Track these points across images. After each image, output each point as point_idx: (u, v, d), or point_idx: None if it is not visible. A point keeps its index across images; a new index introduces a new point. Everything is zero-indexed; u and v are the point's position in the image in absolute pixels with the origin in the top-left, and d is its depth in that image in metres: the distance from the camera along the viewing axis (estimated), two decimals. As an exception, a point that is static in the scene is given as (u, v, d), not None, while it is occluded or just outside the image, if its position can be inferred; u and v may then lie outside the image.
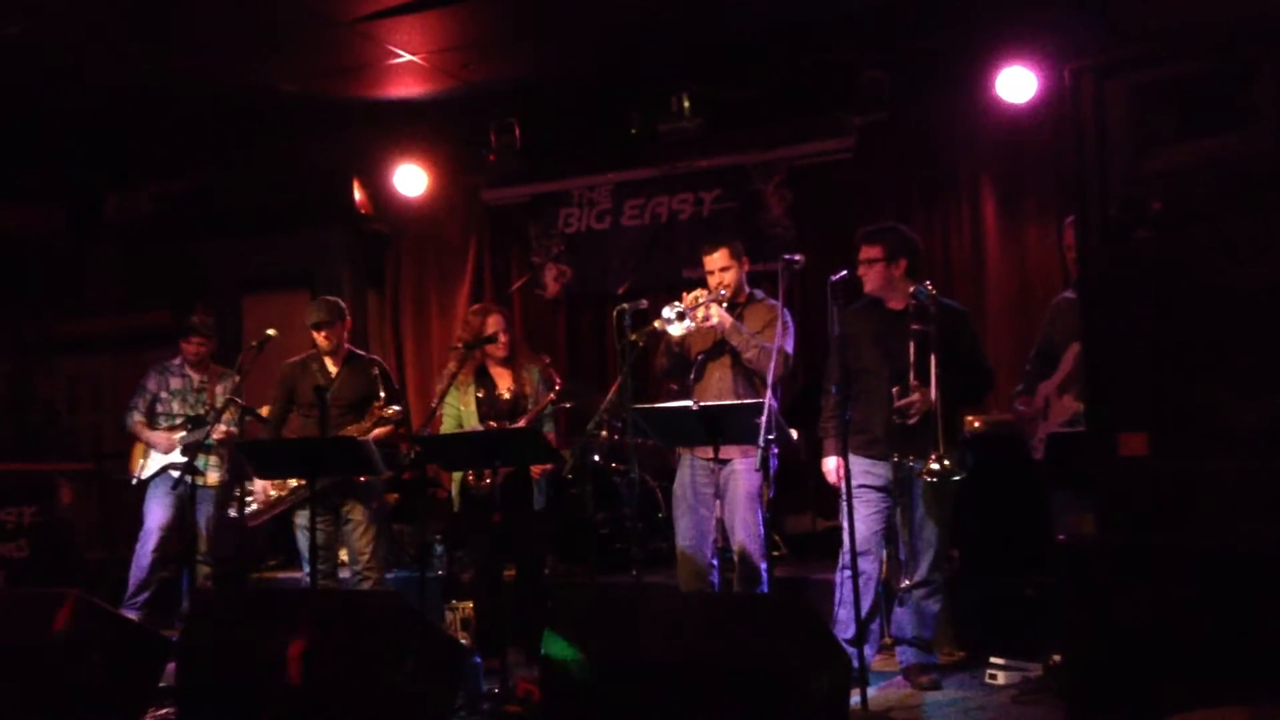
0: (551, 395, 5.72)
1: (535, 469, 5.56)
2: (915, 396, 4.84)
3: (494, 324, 5.71)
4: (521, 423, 5.57)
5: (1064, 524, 4.94)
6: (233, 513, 6.00)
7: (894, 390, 4.89)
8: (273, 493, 5.89)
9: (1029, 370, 5.37)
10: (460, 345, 5.68)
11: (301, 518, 5.75)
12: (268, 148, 8.55)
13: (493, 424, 5.60)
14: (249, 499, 5.97)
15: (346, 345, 6.08)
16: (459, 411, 5.68)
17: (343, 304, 6.13)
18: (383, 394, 5.76)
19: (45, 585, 6.81)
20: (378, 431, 5.73)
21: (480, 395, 5.70)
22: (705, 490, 5.18)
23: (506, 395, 5.72)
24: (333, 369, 5.98)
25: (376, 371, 6.00)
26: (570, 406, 6.62)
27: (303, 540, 5.76)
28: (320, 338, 5.95)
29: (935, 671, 5.07)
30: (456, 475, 5.72)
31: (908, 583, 5.08)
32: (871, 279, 5.06)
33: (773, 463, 4.92)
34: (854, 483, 4.87)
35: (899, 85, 7.16)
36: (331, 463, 5.36)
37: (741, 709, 3.43)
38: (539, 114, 8.04)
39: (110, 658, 4.26)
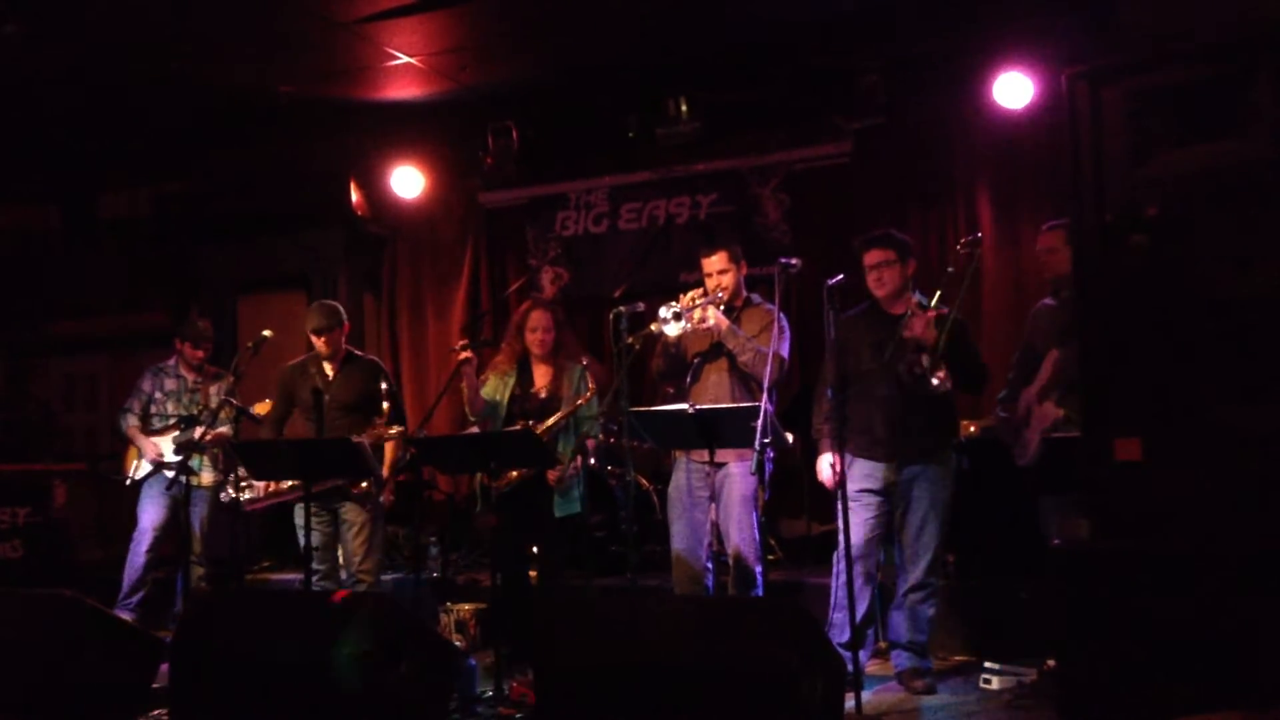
0: (582, 400, 5.55)
1: (550, 474, 5.47)
2: (916, 315, 4.82)
3: (533, 320, 5.67)
4: (549, 423, 5.50)
5: (1051, 529, 4.97)
6: (227, 496, 5.96)
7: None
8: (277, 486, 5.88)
9: (1012, 378, 5.38)
10: (464, 341, 5.63)
11: (300, 518, 5.76)
12: (264, 149, 8.54)
13: (523, 422, 5.53)
14: (244, 484, 5.94)
15: (345, 347, 6.09)
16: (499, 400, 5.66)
17: (340, 308, 6.13)
18: (385, 405, 5.70)
19: (39, 586, 6.79)
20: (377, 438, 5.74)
21: (516, 392, 5.67)
22: (700, 493, 5.18)
23: (542, 394, 5.66)
24: (330, 371, 5.98)
25: (376, 374, 6.01)
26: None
27: (302, 540, 5.75)
28: (320, 343, 5.96)
29: (930, 676, 5.08)
30: (478, 475, 5.68)
31: (904, 586, 5.09)
32: (889, 282, 5.04)
33: (768, 466, 4.92)
34: (853, 486, 4.88)
35: (896, 90, 7.18)
36: (326, 464, 5.36)
37: (736, 713, 3.43)
38: (536, 117, 8.04)
39: (104, 659, 4.25)
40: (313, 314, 6.03)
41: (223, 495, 6.08)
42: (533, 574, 5.80)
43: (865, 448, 5.01)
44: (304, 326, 6.08)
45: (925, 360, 4.73)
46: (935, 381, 4.70)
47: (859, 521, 4.96)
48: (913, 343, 4.81)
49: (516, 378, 5.68)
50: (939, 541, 5.04)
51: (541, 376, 5.71)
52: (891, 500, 5.05)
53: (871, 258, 5.08)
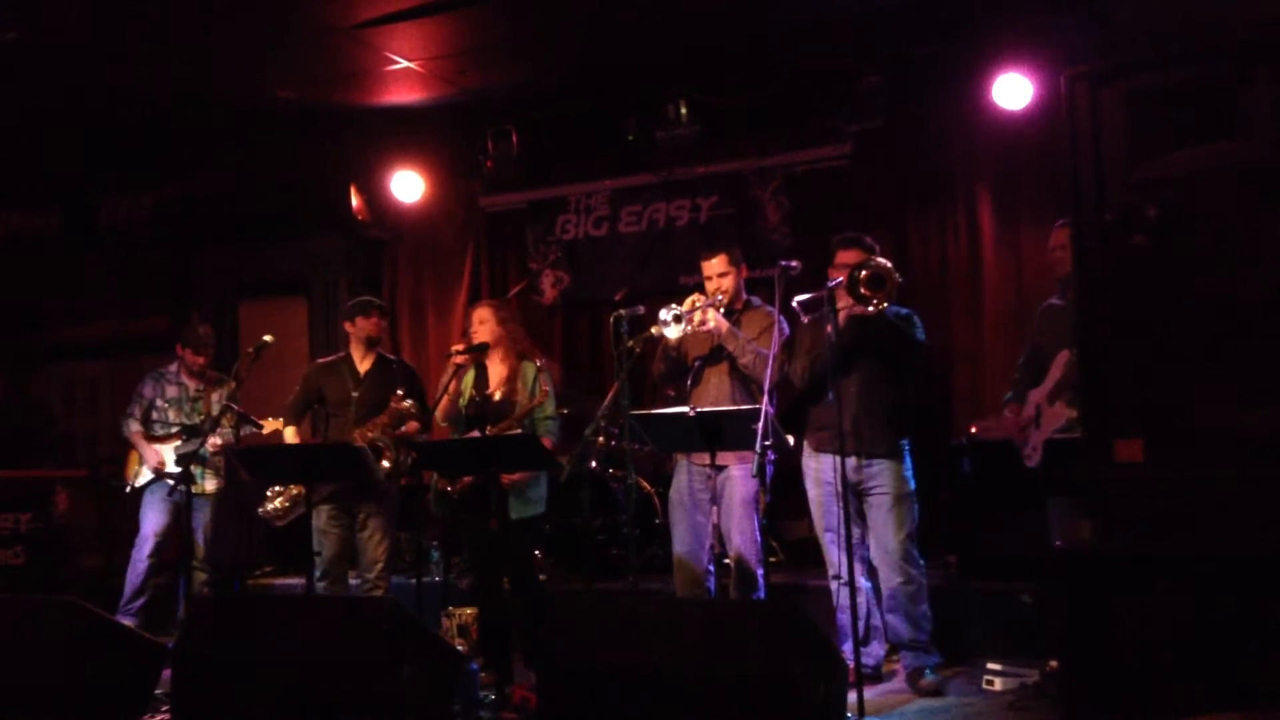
0: (536, 401, 5.46)
1: (505, 478, 5.27)
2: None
3: (476, 316, 5.63)
4: (503, 426, 5.43)
5: (1060, 531, 4.96)
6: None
7: None
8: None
9: (1017, 378, 5.37)
10: (462, 346, 5.63)
11: (318, 520, 5.74)
12: (265, 154, 8.53)
13: (480, 426, 5.47)
14: (272, 494, 5.95)
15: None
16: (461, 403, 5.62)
17: None
18: (400, 390, 5.75)
19: (41, 592, 6.79)
20: (408, 427, 5.76)
21: (473, 394, 5.60)
22: (702, 496, 5.18)
23: (496, 396, 5.56)
24: (362, 369, 5.99)
25: (410, 377, 6.05)
26: (567, 412, 6.61)
27: (318, 543, 5.74)
28: (370, 325, 6.04)
29: (936, 673, 5.07)
30: (433, 481, 5.60)
31: (889, 588, 5.09)
32: None
33: (769, 468, 4.92)
34: (825, 479, 4.92)
35: (896, 92, 7.17)
36: (327, 469, 5.36)
37: (738, 715, 3.43)
38: (536, 120, 8.04)
39: (106, 664, 4.25)
40: (364, 302, 6.18)
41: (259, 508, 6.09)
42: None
43: (828, 442, 5.00)
44: (347, 319, 6.16)
45: (864, 274, 4.80)
46: (871, 307, 4.81)
47: (839, 518, 5.00)
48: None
49: (473, 380, 5.65)
50: (907, 533, 5.07)
51: (496, 377, 5.62)
52: (858, 498, 5.08)
53: (851, 257, 5.09)
